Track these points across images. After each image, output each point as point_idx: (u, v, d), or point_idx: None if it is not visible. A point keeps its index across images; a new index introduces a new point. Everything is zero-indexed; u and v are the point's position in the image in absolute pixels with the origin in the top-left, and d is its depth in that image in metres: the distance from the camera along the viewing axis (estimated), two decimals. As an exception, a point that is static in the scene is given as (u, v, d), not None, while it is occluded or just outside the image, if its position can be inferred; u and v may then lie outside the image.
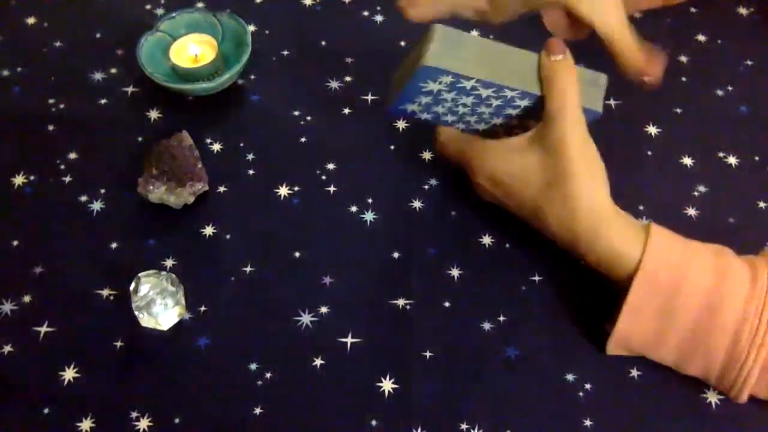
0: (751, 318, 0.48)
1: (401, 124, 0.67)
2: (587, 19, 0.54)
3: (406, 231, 0.61)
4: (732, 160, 0.65)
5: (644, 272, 0.49)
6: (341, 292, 0.58)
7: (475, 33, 0.56)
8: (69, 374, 0.54)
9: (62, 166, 0.64)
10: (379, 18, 0.75)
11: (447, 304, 0.57)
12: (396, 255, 0.60)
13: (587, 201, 0.51)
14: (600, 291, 0.57)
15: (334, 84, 0.70)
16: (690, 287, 0.49)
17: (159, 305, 0.55)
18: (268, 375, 0.54)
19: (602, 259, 0.52)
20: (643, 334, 0.51)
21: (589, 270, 0.59)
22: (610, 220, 0.51)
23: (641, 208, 0.62)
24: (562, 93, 0.52)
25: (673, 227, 0.52)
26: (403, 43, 0.73)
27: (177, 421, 0.52)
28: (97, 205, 0.62)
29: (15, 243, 0.60)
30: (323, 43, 0.73)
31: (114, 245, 0.60)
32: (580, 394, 0.54)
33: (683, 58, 0.72)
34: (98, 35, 0.74)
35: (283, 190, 0.63)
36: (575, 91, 0.53)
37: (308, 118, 0.68)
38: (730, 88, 0.70)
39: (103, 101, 0.69)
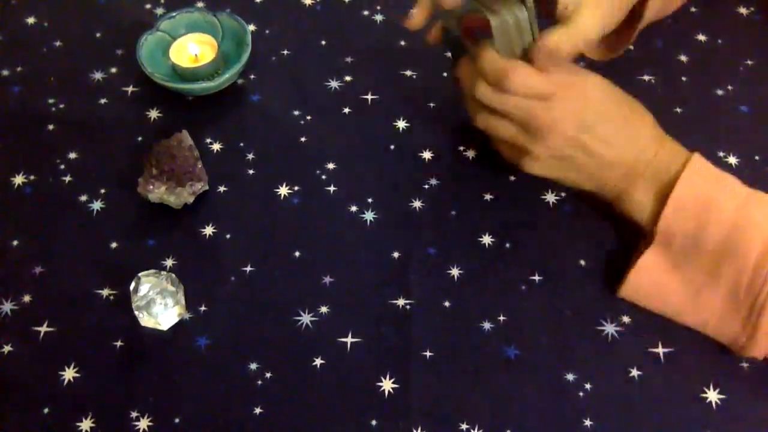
0: None
1: (401, 124, 0.67)
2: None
3: (406, 231, 0.61)
4: (732, 160, 0.65)
5: (690, 170, 0.52)
6: (341, 292, 0.58)
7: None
8: (69, 374, 0.54)
9: (62, 166, 0.64)
10: (379, 18, 0.75)
11: (447, 304, 0.57)
12: (396, 255, 0.60)
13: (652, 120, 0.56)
14: (600, 291, 0.57)
15: (334, 84, 0.70)
16: (728, 194, 0.52)
17: (159, 305, 0.55)
18: (268, 375, 0.54)
19: (660, 170, 0.54)
20: (685, 234, 0.51)
21: (588, 270, 0.59)
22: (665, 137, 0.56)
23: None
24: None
25: (673, 227, 0.53)
26: (403, 43, 0.73)
27: (177, 421, 0.52)
28: (97, 205, 0.62)
29: (15, 243, 0.60)
30: (323, 43, 0.73)
31: (114, 245, 0.60)
32: (580, 394, 0.54)
33: (683, 58, 0.72)
34: (98, 35, 0.74)
35: (283, 190, 0.63)
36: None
37: (308, 118, 0.68)
38: (730, 88, 0.70)
39: (103, 101, 0.69)
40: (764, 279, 0.50)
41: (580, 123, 0.54)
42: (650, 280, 0.54)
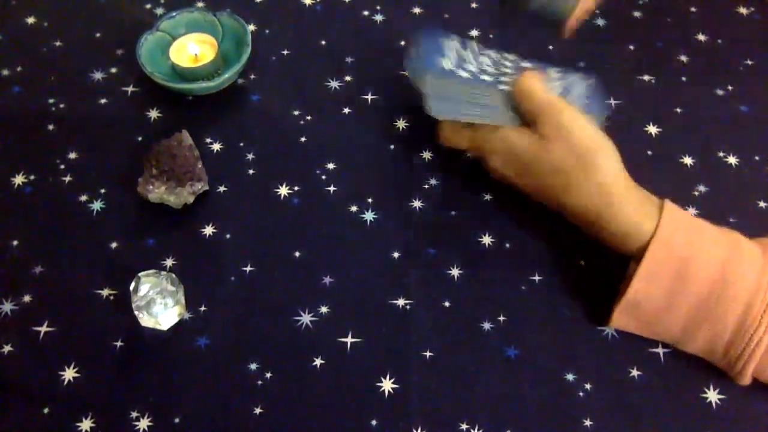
0: (764, 289, 0.49)
1: (401, 124, 0.67)
2: None
3: (406, 231, 0.61)
4: (732, 160, 0.65)
5: (660, 238, 0.51)
6: (341, 292, 0.58)
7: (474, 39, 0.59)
8: (69, 374, 0.54)
9: (62, 166, 0.64)
10: (379, 18, 0.75)
11: (447, 304, 0.57)
12: (396, 255, 0.60)
13: (607, 173, 0.53)
14: (599, 291, 0.57)
15: (334, 84, 0.70)
16: (705, 256, 0.50)
17: (159, 305, 0.55)
18: (268, 375, 0.54)
19: (620, 229, 0.53)
20: (655, 299, 0.51)
21: (588, 270, 0.59)
22: (629, 191, 0.53)
23: (641, 208, 0.62)
24: (542, 92, 0.56)
25: (673, 227, 0.52)
26: (403, 43, 0.73)
27: (177, 421, 0.52)
28: (97, 205, 0.62)
29: (15, 243, 0.60)
30: (323, 43, 0.73)
31: (114, 245, 0.60)
32: (580, 394, 0.54)
33: (683, 58, 0.72)
34: (98, 35, 0.74)
35: (283, 190, 0.63)
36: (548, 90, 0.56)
37: (308, 118, 0.68)
38: (730, 88, 0.70)
39: (103, 101, 0.69)
40: (741, 350, 0.50)
41: (513, 170, 0.57)
42: (629, 329, 0.55)
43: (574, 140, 0.54)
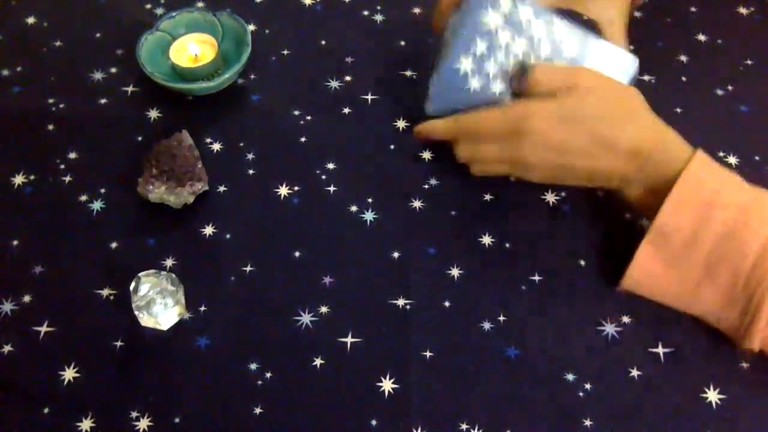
0: None
1: (401, 124, 0.67)
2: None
3: (406, 231, 0.61)
4: (732, 160, 0.65)
5: (691, 169, 0.52)
6: (341, 292, 0.58)
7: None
8: (69, 374, 0.54)
9: (62, 166, 0.64)
10: (379, 18, 0.75)
11: (447, 304, 0.57)
12: (396, 255, 0.60)
13: (649, 108, 0.56)
14: (600, 291, 0.57)
15: (334, 84, 0.70)
16: (732, 189, 0.52)
17: (159, 305, 0.55)
18: (268, 375, 0.54)
19: (671, 157, 0.53)
20: (684, 229, 0.51)
21: (588, 270, 0.59)
22: (668, 130, 0.55)
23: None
24: None
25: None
26: (403, 43, 0.73)
27: (177, 421, 0.52)
28: (97, 205, 0.62)
29: (15, 243, 0.60)
30: (323, 43, 0.73)
31: (114, 245, 0.60)
32: (580, 394, 0.54)
33: (683, 58, 0.72)
34: (98, 35, 0.74)
35: (283, 190, 0.63)
36: None
37: (308, 118, 0.68)
38: (730, 88, 0.70)
39: (103, 101, 0.69)
40: (761, 276, 0.50)
41: (550, 150, 0.55)
42: (648, 274, 0.54)
43: (609, 86, 0.56)
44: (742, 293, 0.51)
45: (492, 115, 0.56)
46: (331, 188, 0.64)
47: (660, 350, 0.55)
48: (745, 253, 0.50)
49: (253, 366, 0.54)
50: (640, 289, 0.55)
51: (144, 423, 0.52)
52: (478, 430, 0.52)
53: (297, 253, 0.60)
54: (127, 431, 0.52)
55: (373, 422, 0.52)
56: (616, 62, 0.60)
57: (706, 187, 0.52)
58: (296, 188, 0.63)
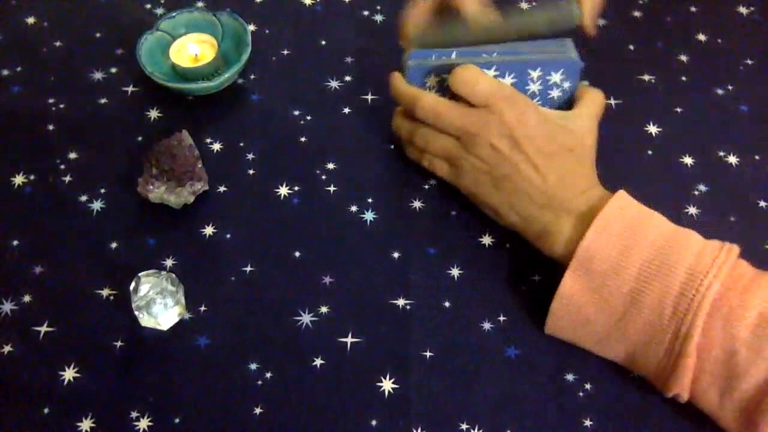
0: (713, 245, 0.49)
1: (401, 124, 0.67)
2: None
3: (406, 231, 0.61)
4: (732, 159, 0.65)
5: (617, 198, 0.52)
6: (341, 292, 0.58)
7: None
8: (69, 374, 0.54)
9: (62, 166, 0.64)
10: (379, 18, 0.75)
11: (447, 304, 0.57)
12: (396, 255, 0.60)
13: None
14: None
15: (334, 84, 0.70)
16: (655, 224, 0.51)
17: (159, 305, 0.55)
18: (268, 375, 0.54)
19: (589, 204, 0.54)
20: (608, 254, 0.50)
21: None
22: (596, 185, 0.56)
23: (641, 208, 0.62)
24: None
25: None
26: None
27: (177, 421, 0.52)
28: (97, 205, 0.62)
29: (15, 243, 0.60)
30: (323, 43, 0.73)
31: (114, 245, 0.60)
32: (580, 394, 0.54)
33: (683, 58, 0.72)
34: (98, 35, 0.74)
35: (283, 190, 0.63)
36: None
37: (308, 117, 0.68)
38: (730, 88, 0.70)
39: (103, 101, 0.69)
40: (688, 304, 0.47)
41: (508, 136, 0.54)
42: (572, 307, 0.52)
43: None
44: (668, 323, 0.48)
45: (458, 110, 0.56)
46: (331, 188, 0.64)
47: (660, 350, 0.55)
48: (672, 277, 0.48)
49: (253, 366, 0.54)
50: (564, 326, 0.53)
51: (144, 423, 0.52)
52: (478, 430, 0.52)
53: (297, 253, 0.60)
54: (127, 431, 0.52)
55: (373, 422, 0.52)
56: (560, 70, 0.59)
57: (629, 216, 0.51)
58: (296, 188, 0.63)
